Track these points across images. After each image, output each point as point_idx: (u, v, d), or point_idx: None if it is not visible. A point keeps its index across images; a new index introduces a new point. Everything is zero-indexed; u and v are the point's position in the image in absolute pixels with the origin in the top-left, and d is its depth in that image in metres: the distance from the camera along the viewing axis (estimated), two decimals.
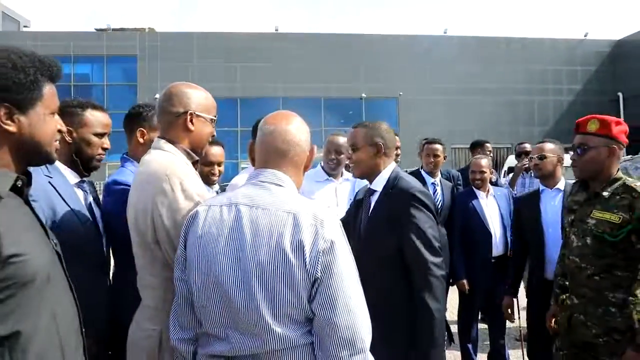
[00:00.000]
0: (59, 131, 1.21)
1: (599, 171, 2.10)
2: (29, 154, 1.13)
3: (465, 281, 3.63)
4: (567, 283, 2.29)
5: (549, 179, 3.12)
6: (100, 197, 2.18)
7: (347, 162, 2.95)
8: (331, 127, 25.70)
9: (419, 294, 1.97)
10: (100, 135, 2.00)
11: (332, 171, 3.24)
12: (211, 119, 1.76)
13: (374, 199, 2.19)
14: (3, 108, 1.08)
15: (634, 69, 24.79)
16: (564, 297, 2.29)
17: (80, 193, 1.97)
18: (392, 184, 2.15)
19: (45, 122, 1.14)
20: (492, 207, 3.71)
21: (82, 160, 1.97)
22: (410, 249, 2.00)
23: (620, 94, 25.67)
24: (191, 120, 1.69)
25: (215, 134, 1.82)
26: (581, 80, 26.60)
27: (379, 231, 2.10)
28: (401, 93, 25.10)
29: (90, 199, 2.03)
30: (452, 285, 3.84)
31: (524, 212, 3.19)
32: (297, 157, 1.44)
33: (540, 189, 3.17)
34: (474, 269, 3.66)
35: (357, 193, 2.48)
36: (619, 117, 26.31)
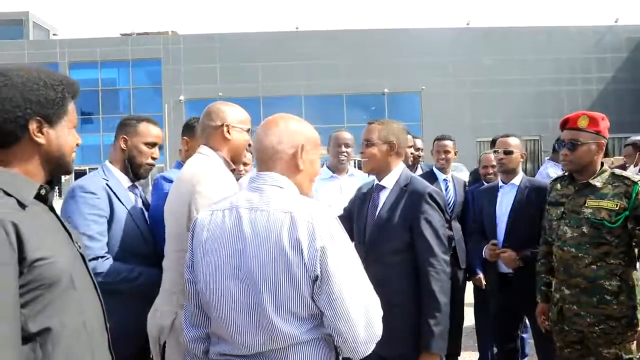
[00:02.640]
0: (77, 144, 1.31)
1: (589, 164, 2.23)
2: (53, 164, 1.23)
3: (481, 276, 3.59)
4: (551, 279, 2.39)
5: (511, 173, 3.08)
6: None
7: (358, 157, 2.93)
8: (354, 123, 25.58)
9: (429, 287, 2.03)
10: (151, 145, 2.22)
11: (341, 165, 3.30)
12: (247, 129, 1.98)
13: (384, 195, 2.24)
14: (35, 122, 1.17)
15: None
16: (552, 291, 2.37)
17: (131, 196, 2.19)
18: (405, 182, 2.21)
19: (68, 135, 1.25)
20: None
21: (132, 166, 2.19)
22: (422, 243, 2.07)
23: None
24: (228, 131, 1.92)
25: (252, 142, 1.99)
26: (612, 68, 25.78)
27: (392, 225, 2.14)
28: (424, 87, 24.84)
29: (140, 202, 2.23)
30: (469, 280, 3.79)
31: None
32: (281, 157, 1.47)
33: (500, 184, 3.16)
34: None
35: (360, 187, 2.48)
36: None
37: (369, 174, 2.37)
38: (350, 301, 1.31)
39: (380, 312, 1.38)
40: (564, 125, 2.29)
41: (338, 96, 25.69)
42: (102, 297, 1.30)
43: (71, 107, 1.26)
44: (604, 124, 2.23)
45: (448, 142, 3.83)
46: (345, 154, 3.29)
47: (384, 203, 2.20)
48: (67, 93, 1.24)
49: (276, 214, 1.34)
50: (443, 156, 3.80)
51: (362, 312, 1.32)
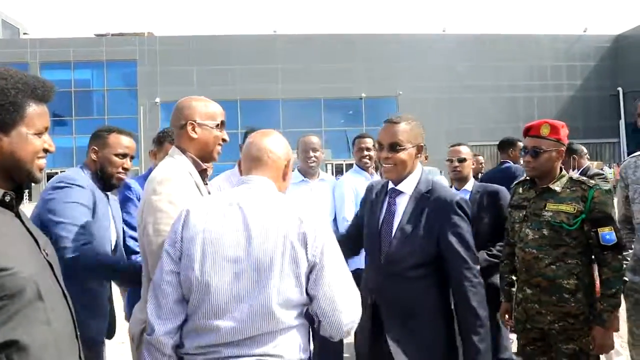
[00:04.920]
0: (46, 150, 1.24)
1: (550, 170, 2.33)
2: (11, 172, 1.18)
3: None
4: (514, 278, 2.48)
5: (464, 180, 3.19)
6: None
7: (378, 161, 2.54)
8: (331, 127, 25.70)
9: (468, 302, 1.89)
10: (122, 156, 2.21)
11: (311, 170, 3.34)
12: (216, 125, 1.89)
13: (402, 201, 2.01)
14: None
15: (633, 63, 24.80)
16: (514, 291, 2.46)
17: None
18: (426, 188, 1.99)
19: (27, 141, 1.18)
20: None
21: (103, 176, 2.21)
22: (454, 256, 1.91)
23: (620, 89, 25.65)
24: (194, 129, 1.85)
25: (226, 137, 1.94)
26: (581, 76, 26.60)
27: (416, 238, 1.94)
28: (400, 92, 25.14)
29: (110, 211, 2.27)
30: None
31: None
32: (271, 162, 1.62)
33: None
34: None
35: (370, 187, 2.21)
36: (619, 112, 26.43)
37: (394, 183, 2.07)
38: (339, 287, 1.49)
39: (359, 299, 1.54)
40: (527, 132, 2.38)
41: (315, 100, 25.75)
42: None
43: (32, 111, 1.18)
44: (564, 132, 2.34)
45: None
46: (314, 158, 3.33)
47: (404, 211, 1.98)
48: (23, 97, 1.17)
49: (286, 213, 1.50)
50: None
51: (347, 298, 1.50)
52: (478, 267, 1.94)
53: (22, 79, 1.18)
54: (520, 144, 4.85)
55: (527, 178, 2.49)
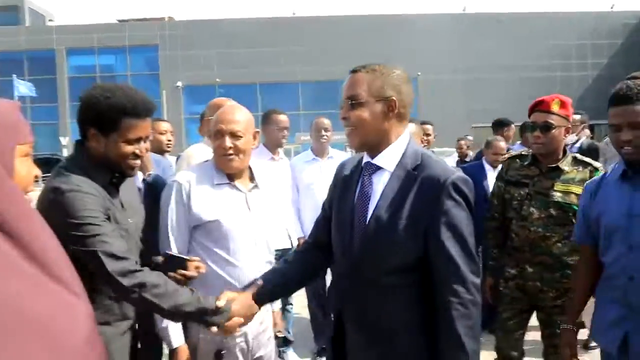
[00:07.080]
0: (136, 155, 1.58)
1: (557, 147, 2.27)
2: (109, 165, 1.58)
3: None
4: (498, 253, 2.48)
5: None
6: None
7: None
8: None
9: (452, 327, 1.36)
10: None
11: (321, 147, 3.69)
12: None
13: (380, 180, 1.49)
14: (92, 130, 1.55)
15: None
16: (502, 265, 2.45)
17: None
18: (414, 163, 1.46)
19: (116, 146, 1.56)
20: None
21: None
22: (443, 259, 1.39)
23: None
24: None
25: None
26: (607, 54, 25.86)
27: (395, 230, 1.41)
28: (420, 73, 24.90)
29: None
30: None
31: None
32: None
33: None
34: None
35: (342, 165, 1.66)
36: None
37: (357, 151, 1.62)
38: None
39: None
40: (535, 107, 2.28)
41: (335, 82, 25.72)
42: None
43: (126, 124, 1.53)
44: (571, 110, 2.30)
45: (428, 126, 4.09)
46: (325, 137, 3.66)
47: (381, 194, 1.46)
48: (121, 112, 1.52)
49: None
50: (425, 138, 4.04)
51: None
52: (477, 279, 1.41)
53: (116, 102, 1.53)
54: (514, 127, 4.85)
55: (523, 153, 2.44)
